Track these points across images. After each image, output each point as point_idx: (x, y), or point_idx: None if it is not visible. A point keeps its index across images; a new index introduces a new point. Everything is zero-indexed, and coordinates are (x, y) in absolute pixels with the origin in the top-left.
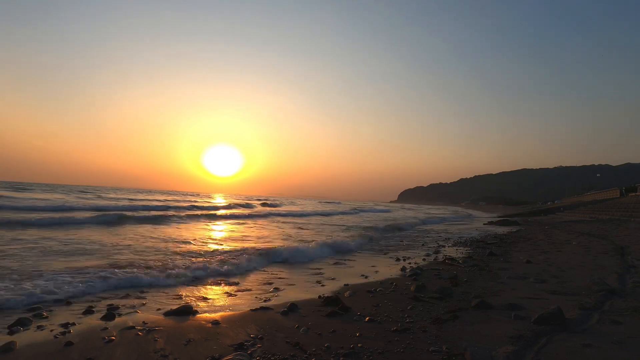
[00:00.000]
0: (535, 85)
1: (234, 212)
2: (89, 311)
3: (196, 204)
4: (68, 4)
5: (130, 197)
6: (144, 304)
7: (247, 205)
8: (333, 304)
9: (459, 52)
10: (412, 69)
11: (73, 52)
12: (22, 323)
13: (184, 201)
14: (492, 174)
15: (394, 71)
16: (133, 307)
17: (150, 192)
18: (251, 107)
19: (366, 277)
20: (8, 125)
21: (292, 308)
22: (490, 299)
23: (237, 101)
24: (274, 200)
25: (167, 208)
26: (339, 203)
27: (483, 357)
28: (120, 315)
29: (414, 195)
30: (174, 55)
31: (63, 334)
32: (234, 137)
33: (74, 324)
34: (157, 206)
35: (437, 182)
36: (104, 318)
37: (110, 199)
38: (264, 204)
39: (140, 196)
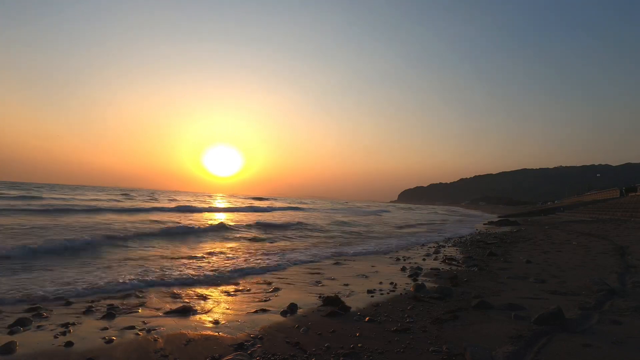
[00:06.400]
0: (535, 85)
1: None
2: (89, 311)
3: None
4: (68, 3)
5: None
6: (143, 304)
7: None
8: (333, 304)
9: (459, 51)
10: (412, 69)
11: (73, 52)
12: (22, 323)
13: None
14: (492, 174)
15: (394, 71)
16: (133, 306)
17: (170, 192)
18: (251, 107)
19: (366, 277)
20: (8, 125)
21: (292, 308)
22: (490, 299)
23: (237, 101)
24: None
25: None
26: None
27: (483, 357)
28: (120, 314)
29: (414, 195)
30: (174, 55)
31: (63, 333)
32: (234, 137)
33: (74, 323)
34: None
35: (437, 182)
36: (104, 318)
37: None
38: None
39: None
